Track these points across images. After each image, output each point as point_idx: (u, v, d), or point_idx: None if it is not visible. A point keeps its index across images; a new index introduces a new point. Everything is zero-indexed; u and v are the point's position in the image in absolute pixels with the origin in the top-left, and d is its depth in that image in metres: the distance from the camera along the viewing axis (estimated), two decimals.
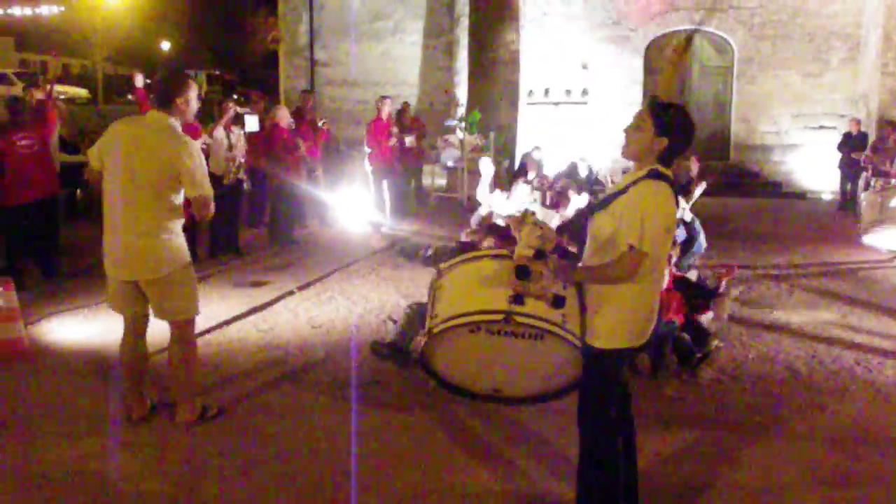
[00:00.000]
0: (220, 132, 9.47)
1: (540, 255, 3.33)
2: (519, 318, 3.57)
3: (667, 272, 5.95)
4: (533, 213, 3.68)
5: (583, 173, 13.91)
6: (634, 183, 3.28)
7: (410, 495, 3.90)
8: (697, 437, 4.61)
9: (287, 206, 10.63)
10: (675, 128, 3.31)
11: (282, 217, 10.61)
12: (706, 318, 6.34)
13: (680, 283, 6.49)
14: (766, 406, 5.10)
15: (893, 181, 8.61)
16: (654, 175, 3.27)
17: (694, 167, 10.83)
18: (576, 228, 5.57)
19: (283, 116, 10.62)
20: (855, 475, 4.13)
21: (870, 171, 12.87)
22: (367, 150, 12.70)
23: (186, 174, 4.34)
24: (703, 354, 5.70)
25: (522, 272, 3.35)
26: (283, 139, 10.40)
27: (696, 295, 6.42)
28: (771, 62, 17.62)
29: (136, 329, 4.71)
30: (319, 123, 11.95)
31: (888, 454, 4.40)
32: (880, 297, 7.97)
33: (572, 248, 5.80)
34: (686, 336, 5.76)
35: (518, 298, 3.52)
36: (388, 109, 12.55)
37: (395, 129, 12.49)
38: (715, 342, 5.98)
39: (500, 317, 3.61)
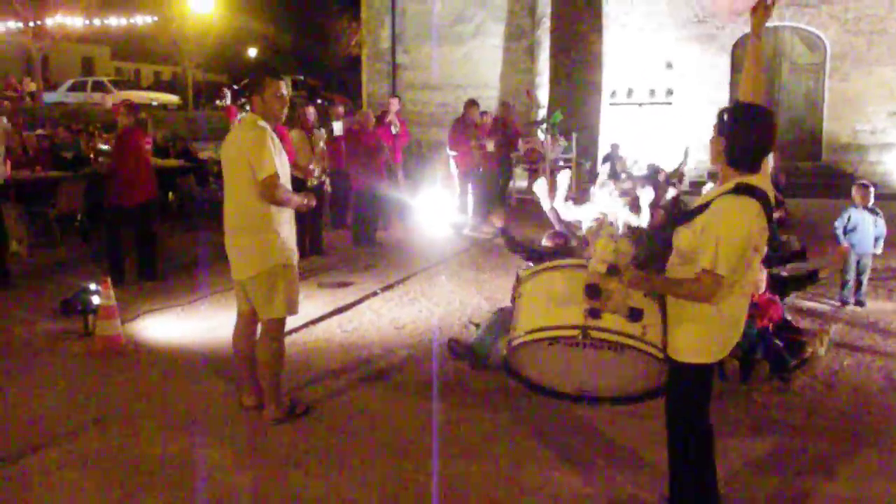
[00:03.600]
0: (300, 135, 9.65)
1: (613, 270, 3.20)
2: (594, 333, 3.58)
3: (763, 276, 5.80)
4: (611, 224, 3.65)
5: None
6: (718, 198, 3.16)
7: (491, 496, 3.91)
8: (789, 444, 4.48)
9: (369, 209, 10.78)
10: (732, 125, 3.18)
11: (364, 219, 10.77)
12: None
13: (776, 285, 6.31)
14: (861, 415, 4.92)
15: None
16: (740, 190, 3.11)
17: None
18: (649, 233, 5.45)
19: (367, 120, 10.79)
20: (870, 472, 3.97)
21: None
22: (450, 153, 12.76)
23: (253, 158, 4.48)
24: (800, 361, 5.53)
25: (593, 291, 3.25)
26: (366, 142, 10.56)
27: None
28: (865, 58, 16.93)
29: (246, 322, 4.89)
30: (392, 129, 12.04)
31: None
32: None
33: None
34: (779, 343, 5.59)
35: (594, 312, 3.50)
36: (475, 113, 12.55)
37: (475, 139, 12.45)
38: (810, 349, 5.79)
39: (576, 332, 3.64)
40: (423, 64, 19.77)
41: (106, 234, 8.76)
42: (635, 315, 3.41)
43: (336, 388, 5.39)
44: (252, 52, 44.20)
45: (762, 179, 3.21)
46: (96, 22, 30.82)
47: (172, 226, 11.93)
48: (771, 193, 3.22)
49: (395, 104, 12.90)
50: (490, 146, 12.57)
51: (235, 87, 33.38)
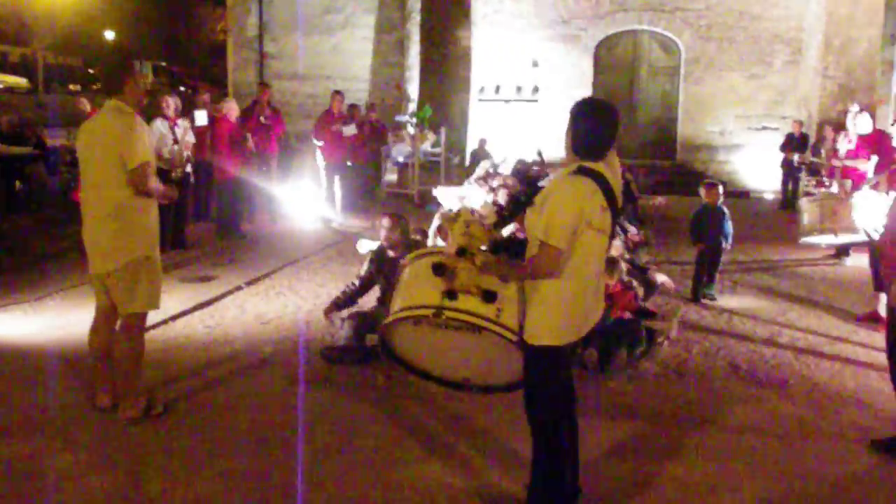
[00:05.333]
0: (161, 125, 9.29)
1: (462, 251, 3.47)
2: (448, 313, 3.71)
3: (623, 269, 6.05)
4: (470, 211, 3.79)
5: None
6: (557, 178, 3.46)
7: (360, 492, 3.90)
8: (641, 430, 4.69)
9: (235, 201, 10.51)
10: (575, 117, 3.39)
11: (229, 211, 10.49)
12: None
13: (633, 276, 6.60)
14: (709, 401, 5.21)
15: (824, 190, 8.86)
16: (578, 171, 3.32)
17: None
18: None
19: (231, 109, 10.49)
20: (793, 468, 4.25)
21: (805, 172, 13.26)
22: (316, 143, 12.62)
23: (125, 145, 4.36)
24: (648, 349, 5.80)
25: (437, 269, 3.55)
26: (230, 133, 10.27)
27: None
28: (716, 63, 17.98)
29: (105, 317, 4.70)
30: (261, 119, 11.75)
31: (825, 448, 4.53)
32: (818, 295, 8.20)
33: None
34: (637, 330, 5.83)
35: (451, 293, 3.66)
36: (340, 104, 12.50)
37: (337, 124, 12.39)
38: (662, 338, 6.08)
39: (430, 311, 3.76)
40: (291, 53, 19.36)
41: None
42: (489, 297, 3.59)
43: (197, 387, 5.22)
44: (109, 35, 42.08)
45: (607, 170, 3.38)
46: None
47: (19, 216, 11.21)
48: (615, 184, 3.42)
49: (265, 93, 12.61)
50: (348, 131, 12.48)
51: (90, 71, 31.65)
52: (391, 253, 6.11)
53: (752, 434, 4.68)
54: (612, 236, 3.47)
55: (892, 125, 7.06)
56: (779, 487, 4.02)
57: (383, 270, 6.10)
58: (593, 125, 3.37)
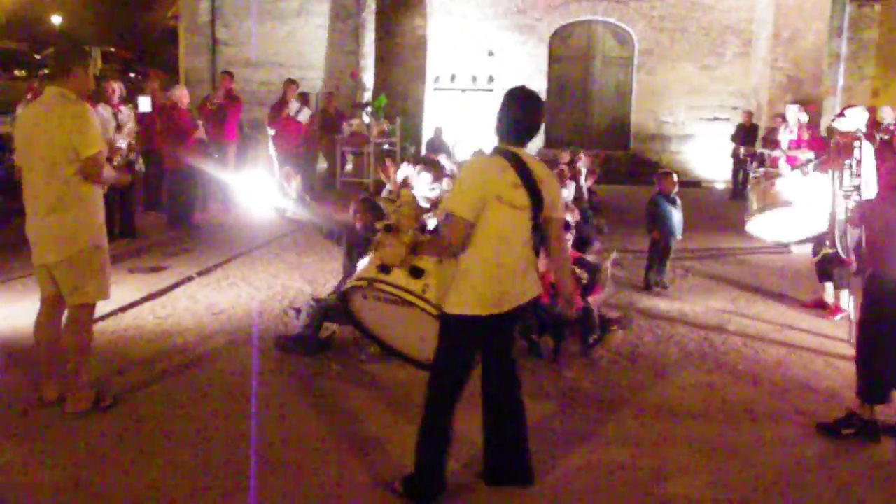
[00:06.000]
0: (105, 111, 9.08)
1: (389, 228, 3.79)
2: (379, 286, 4.02)
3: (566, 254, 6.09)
4: (413, 196, 4.13)
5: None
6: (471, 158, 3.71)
7: (313, 482, 3.87)
8: (594, 417, 4.73)
9: (186, 190, 10.34)
10: (502, 104, 3.62)
11: (180, 200, 10.32)
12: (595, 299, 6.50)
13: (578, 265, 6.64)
14: (661, 387, 5.28)
15: (767, 169, 9.04)
16: (493, 152, 3.61)
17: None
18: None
19: (182, 96, 10.31)
20: (742, 453, 4.33)
21: (753, 162, 13.51)
22: (269, 131, 12.49)
23: (79, 133, 4.28)
24: (599, 337, 5.85)
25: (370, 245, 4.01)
26: (180, 120, 10.10)
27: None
28: (669, 54, 18.18)
29: (51, 308, 4.60)
30: (208, 106, 11.52)
31: (773, 432, 4.62)
32: (766, 283, 8.36)
33: None
34: (589, 318, 5.88)
35: (384, 268, 3.96)
36: (293, 93, 12.39)
37: (292, 105, 12.27)
38: (613, 327, 6.14)
39: (364, 283, 4.10)
40: (244, 40, 19.03)
41: None
42: (416, 273, 3.90)
43: (147, 378, 5.13)
44: (56, 20, 41.01)
45: (528, 155, 3.61)
46: None
47: None
48: (538, 170, 3.58)
49: (226, 80, 12.44)
50: (302, 118, 12.37)
51: (37, 56, 30.80)
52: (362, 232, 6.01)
53: (703, 419, 4.76)
54: (536, 218, 3.59)
55: (838, 116, 7.23)
56: (728, 472, 4.10)
57: (350, 254, 5.98)
58: (515, 113, 3.58)
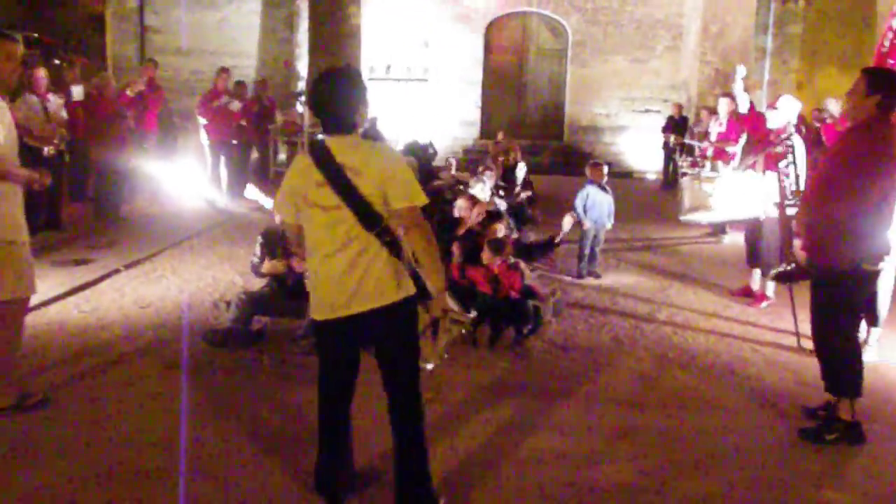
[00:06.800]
0: (31, 100, 8.77)
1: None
2: None
3: (508, 249, 6.13)
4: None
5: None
6: None
7: (241, 483, 3.80)
8: (527, 406, 4.76)
9: (113, 180, 10.05)
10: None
11: (107, 191, 10.03)
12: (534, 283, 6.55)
13: (521, 253, 6.71)
14: (593, 375, 5.35)
15: (698, 170, 9.21)
16: (308, 146, 3.61)
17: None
18: None
19: (107, 85, 10.01)
20: (671, 437, 4.41)
21: (682, 154, 13.79)
22: (201, 121, 12.23)
23: None
24: (533, 327, 5.90)
25: None
26: (106, 109, 9.81)
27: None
28: (602, 47, 18.42)
29: None
30: (128, 92, 11.16)
31: (700, 417, 4.72)
32: (696, 272, 8.55)
33: None
34: (524, 309, 5.91)
35: None
36: (225, 81, 12.18)
37: (223, 98, 12.06)
38: (548, 317, 6.20)
39: None
40: (174, 28, 18.59)
41: None
42: None
43: (71, 374, 4.97)
44: None
45: (342, 144, 3.21)
46: None
47: None
48: (355, 161, 3.18)
49: (149, 69, 12.11)
50: (234, 107, 12.16)
51: None
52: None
53: (633, 407, 4.83)
54: (363, 213, 3.17)
55: (770, 108, 7.43)
56: (658, 457, 4.17)
57: (275, 253, 5.90)
58: (310, 99, 3.34)
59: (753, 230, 7.23)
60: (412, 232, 3.24)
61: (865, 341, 5.49)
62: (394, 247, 3.23)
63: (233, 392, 4.82)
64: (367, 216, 3.16)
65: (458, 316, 3.97)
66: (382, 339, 3.36)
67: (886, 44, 5.78)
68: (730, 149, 10.63)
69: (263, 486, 3.72)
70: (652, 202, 13.88)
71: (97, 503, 3.54)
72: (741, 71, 8.09)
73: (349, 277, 3.21)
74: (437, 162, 14.08)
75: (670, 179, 15.04)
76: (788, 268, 5.28)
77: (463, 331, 4.11)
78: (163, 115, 12.39)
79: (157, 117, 11.73)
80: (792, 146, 6.38)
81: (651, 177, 17.50)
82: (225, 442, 4.16)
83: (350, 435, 3.60)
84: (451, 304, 3.87)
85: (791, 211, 4.83)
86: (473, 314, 4.51)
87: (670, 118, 15.96)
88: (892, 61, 5.64)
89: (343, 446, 3.57)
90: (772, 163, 6.74)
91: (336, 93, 3.23)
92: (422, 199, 3.21)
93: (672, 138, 14.64)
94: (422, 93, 17.76)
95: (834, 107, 11.24)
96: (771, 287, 7.11)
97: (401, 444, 3.41)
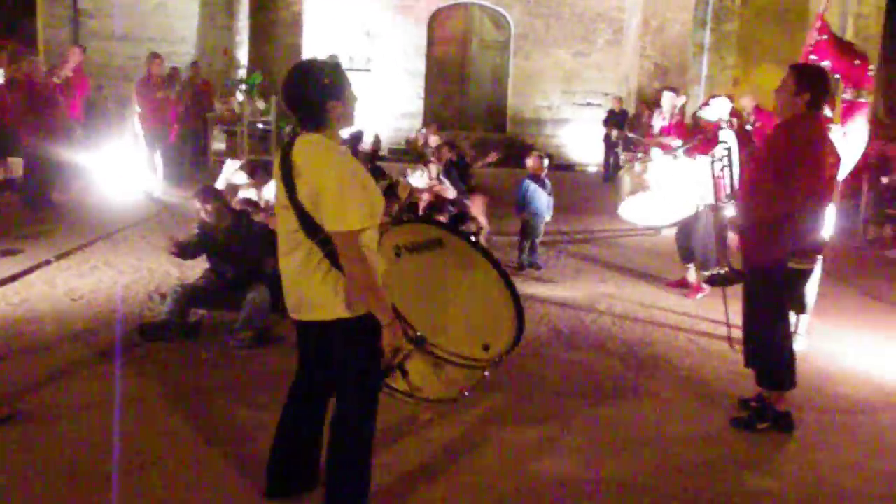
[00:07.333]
0: None
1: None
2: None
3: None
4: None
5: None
6: None
7: (177, 480, 3.72)
8: (467, 397, 4.75)
9: (43, 168, 9.74)
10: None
11: (37, 180, 9.72)
12: None
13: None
14: (532, 366, 5.38)
15: (640, 154, 9.37)
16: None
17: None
18: None
19: (36, 70, 9.69)
20: (609, 425, 4.47)
21: (622, 147, 14.00)
22: (136, 109, 11.94)
23: None
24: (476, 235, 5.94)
25: None
26: (36, 94, 9.50)
27: None
28: (544, 40, 18.54)
29: None
30: (54, 79, 10.82)
31: (639, 407, 4.80)
32: (635, 264, 8.68)
33: None
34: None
35: None
36: (159, 68, 11.91)
37: (159, 90, 11.81)
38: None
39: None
40: (109, 11, 18.05)
41: None
42: None
43: None
44: None
45: (308, 143, 3.04)
46: None
47: None
48: (303, 158, 2.99)
49: (76, 54, 11.72)
50: (170, 94, 11.90)
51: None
52: (215, 223, 5.81)
53: (574, 397, 4.88)
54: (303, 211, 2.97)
55: (703, 106, 7.59)
56: (596, 446, 4.22)
57: (212, 243, 5.78)
58: (288, 88, 3.05)
59: (683, 230, 7.35)
60: (342, 259, 2.95)
61: (795, 330, 5.64)
62: (335, 259, 2.97)
63: (168, 386, 4.70)
64: (306, 222, 2.96)
65: (409, 389, 3.44)
66: (322, 355, 3.22)
67: (812, 43, 5.91)
68: (673, 143, 10.81)
69: (204, 480, 3.65)
70: (592, 195, 14.02)
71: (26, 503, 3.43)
72: (679, 100, 8.32)
73: (296, 283, 3.09)
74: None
75: (611, 172, 15.23)
76: (722, 272, 5.35)
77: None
78: (96, 102, 12.05)
79: (81, 104, 11.41)
80: (728, 149, 6.47)
81: (592, 169, 17.71)
82: (160, 437, 4.06)
83: (320, 434, 3.45)
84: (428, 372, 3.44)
85: (728, 213, 4.89)
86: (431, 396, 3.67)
87: (611, 111, 16.17)
88: (814, 57, 5.77)
89: (301, 446, 3.46)
90: (704, 149, 6.89)
91: (299, 87, 3.03)
92: (352, 225, 2.89)
93: (615, 132, 14.84)
94: (364, 83, 17.60)
95: (749, 103, 11.65)
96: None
97: (327, 470, 3.26)
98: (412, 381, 3.36)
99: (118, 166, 11.21)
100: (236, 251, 5.66)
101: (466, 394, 3.63)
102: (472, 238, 4.79)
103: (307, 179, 2.94)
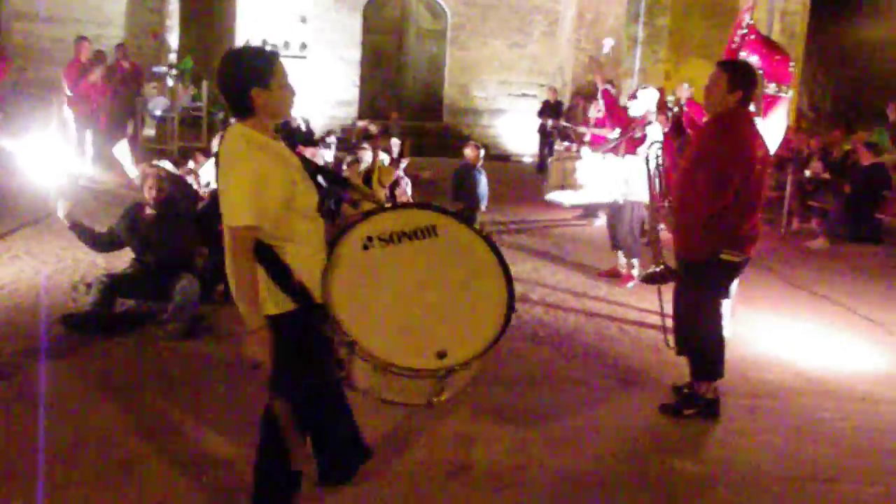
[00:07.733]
0: None
1: None
2: None
3: None
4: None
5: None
6: None
7: (102, 478, 3.63)
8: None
9: None
10: None
11: None
12: None
13: None
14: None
15: (574, 146, 9.49)
16: None
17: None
18: None
19: None
20: (543, 414, 4.53)
21: (556, 137, 14.15)
22: (67, 93, 11.58)
23: None
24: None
25: None
26: None
27: None
28: (480, 30, 18.58)
29: None
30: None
31: (571, 395, 4.87)
32: (567, 254, 8.79)
33: None
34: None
35: None
36: (87, 51, 11.57)
37: (90, 74, 11.49)
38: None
39: None
40: None
41: None
42: None
43: None
44: None
45: (232, 134, 2.96)
46: None
47: None
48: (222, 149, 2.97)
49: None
50: (93, 78, 11.58)
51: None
52: (149, 210, 5.69)
53: (505, 385, 4.92)
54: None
55: (631, 99, 7.75)
56: (528, 434, 4.27)
57: (138, 230, 5.67)
58: (217, 75, 2.94)
59: (614, 215, 7.49)
60: (226, 252, 2.87)
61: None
62: (260, 254, 2.88)
63: (93, 379, 4.59)
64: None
65: None
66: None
67: (737, 39, 6.02)
68: (609, 134, 10.97)
69: (130, 477, 3.57)
70: (527, 185, 14.13)
71: None
72: (609, 42, 8.30)
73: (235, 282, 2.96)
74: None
75: (546, 163, 15.37)
76: (657, 270, 5.44)
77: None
78: (18, 85, 11.63)
79: (2, 88, 11.01)
80: (661, 147, 6.55)
81: (527, 160, 17.84)
82: (84, 431, 3.96)
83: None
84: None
85: (661, 211, 4.96)
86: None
87: (546, 102, 16.30)
88: (743, 54, 5.90)
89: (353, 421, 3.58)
90: (632, 147, 7.01)
91: (226, 74, 2.91)
92: (236, 221, 2.79)
93: (549, 122, 14.98)
94: (299, 69, 17.37)
95: (684, 92, 11.96)
96: (637, 268, 7.39)
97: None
98: (357, 383, 3.13)
99: (42, 151, 10.82)
100: (158, 239, 5.55)
101: (436, 400, 3.21)
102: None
103: (221, 171, 2.93)
